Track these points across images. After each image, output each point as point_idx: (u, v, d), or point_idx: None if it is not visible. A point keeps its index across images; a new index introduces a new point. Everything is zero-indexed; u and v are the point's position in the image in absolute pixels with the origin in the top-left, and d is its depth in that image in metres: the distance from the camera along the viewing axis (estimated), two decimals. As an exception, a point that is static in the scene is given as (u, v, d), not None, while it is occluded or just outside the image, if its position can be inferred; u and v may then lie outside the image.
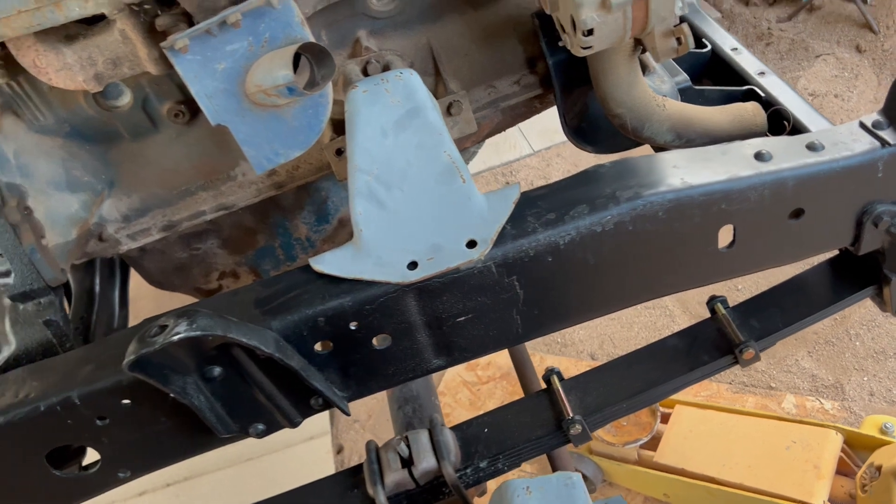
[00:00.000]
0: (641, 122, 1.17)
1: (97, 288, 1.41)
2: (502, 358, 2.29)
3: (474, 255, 0.93)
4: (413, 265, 0.94)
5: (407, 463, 1.08)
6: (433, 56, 1.24)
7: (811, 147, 0.99)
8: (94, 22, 0.93)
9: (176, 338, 0.82)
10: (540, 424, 1.15)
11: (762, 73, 1.54)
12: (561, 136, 3.93)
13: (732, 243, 1.02)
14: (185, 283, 1.46)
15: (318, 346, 0.98)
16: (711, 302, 1.24)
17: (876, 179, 0.99)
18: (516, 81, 1.28)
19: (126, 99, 1.16)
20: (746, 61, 1.59)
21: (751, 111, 1.25)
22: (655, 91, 1.38)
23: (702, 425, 2.03)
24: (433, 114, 1.00)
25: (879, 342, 2.23)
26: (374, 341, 0.99)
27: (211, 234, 1.39)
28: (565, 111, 1.28)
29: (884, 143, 0.97)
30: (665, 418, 2.11)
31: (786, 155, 0.99)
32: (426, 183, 0.97)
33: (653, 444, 2.08)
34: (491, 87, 1.28)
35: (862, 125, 1.01)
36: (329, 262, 0.96)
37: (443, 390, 2.48)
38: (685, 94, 1.53)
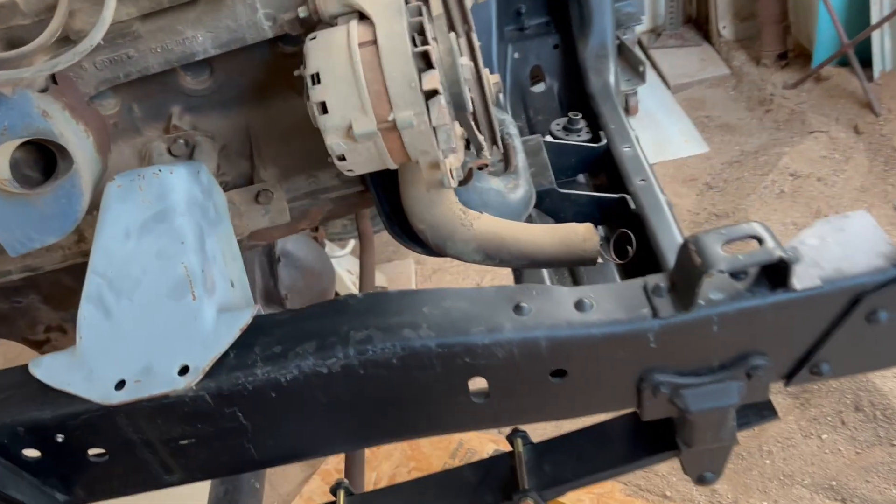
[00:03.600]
0: (443, 240, 1.09)
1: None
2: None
3: (181, 385, 0.86)
4: (121, 384, 0.88)
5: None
6: (250, 139, 1.18)
7: (579, 306, 0.89)
8: None
9: None
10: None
11: (643, 180, 1.45)
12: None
13: (488, 395, 0.93)
14: (11, 332, 1.42)
15: (28, 452, 0.93)
16: (511, 436, 1.15)
17: (649, 349, 0.89)
18: (338, 174, 1.21)
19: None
20: (632, 164, 1.49)
21: (581, 235, 1.15)
22: (496, 200, 1.30)
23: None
24: (183, 220, 0.94)
25: (790, 464, 2.08)
26: (90, 453, 0.93)
27: (31, 290, 1.35)
28: (388, 210, 1.20)
29: (655, 312, 0.87)
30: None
31: (548, 311, 0.89)
32: (157, 295, 0.91)
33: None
34: (312, 176, 1.21)
35: (644, 288, 0.91)
36: (44, 368, 0.91)
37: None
38: (549, 198, 1.44)
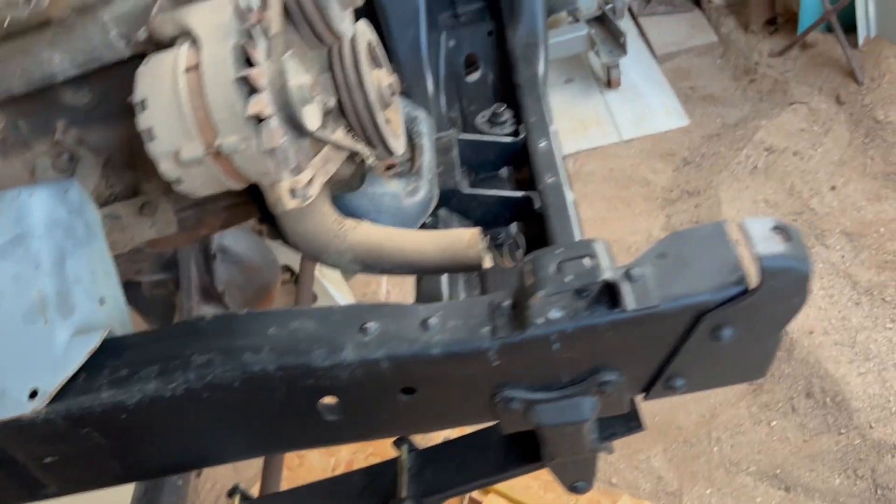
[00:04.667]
0: (317, 252, 1.08)
1: None
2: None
3: (29, 408, 0.88)
4: (-25, 408, 0.90)
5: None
6: (133, 152, 1.18)
7: (423, 325, 0.89)
8: None
9: None
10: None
11: (552, 177, 1.43)
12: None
13: (341, 414, 0.94)
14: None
15: None
16: (398, 443, 1.16)
17: (492, 366, 0.89)
18: None
19: None
20: (545, 159, 1.47)
21: (466, 242, 1.14)
22: (391, 205, 1.29)
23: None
24: (40, 243, 0.95)
25: (738, 452, 2.07)
26: (-40, 471, 0.96)
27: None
28: (272, 218, 1.20)
29: (494, 331, 0.87)
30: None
31: (392, 331, 0.89)
32: (13, 320, 0.92)
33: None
34: None
35: (489, 305, 0.90)
36: None
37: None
38: (456, 198, 1.43)
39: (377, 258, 1.11)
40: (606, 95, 4.23)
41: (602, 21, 4.34)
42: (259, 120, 0.83)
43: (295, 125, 0.88)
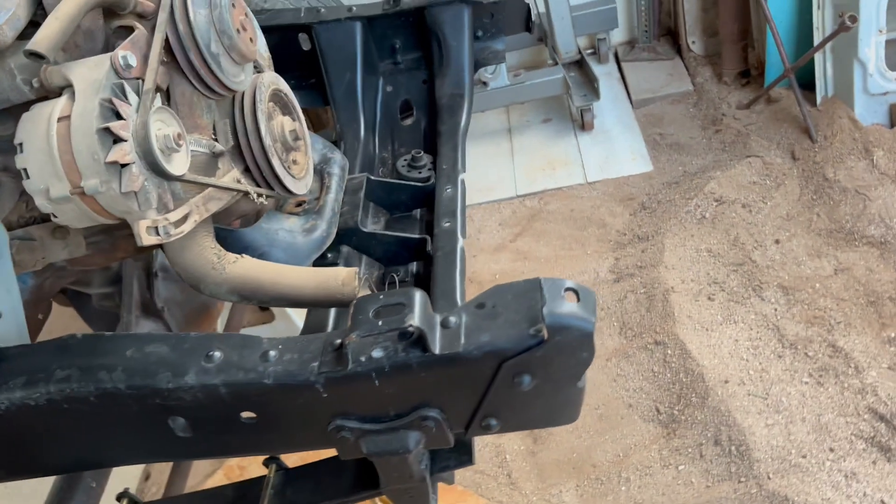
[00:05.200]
0: (195, 281, 1.19)
1: None
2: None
3: None
4: None
5: None
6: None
7: (263, 357, 0.99)
8: None
9: None
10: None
11: (448, 223, 1.54)
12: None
13: (191, 432, 1.03)
14: None
15: None
16: (267, 462, 1.26)
17: (322, 398, 0.99)
18: None
19: None
20: (447, 205, 1.58)
21: (341, 279, 1.24)
22: (284, 240, 1.40)
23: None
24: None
25: (644, 493, 2.14)
26: None
27: None
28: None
29: (321, 367, 0.97)
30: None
31: (234, 360, 0.99)
32: None
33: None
34: None
35: (325, 342, 1.00)
36: None
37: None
38: (356, 237, 1.53)
39: (254, 291, 1.22)
40: (580, 137, 4.35)
41: (580, 65, 4.48)
42: (122, 166, 0.94)
43: (158, 171, 0.99)
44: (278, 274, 1.23)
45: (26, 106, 1.16)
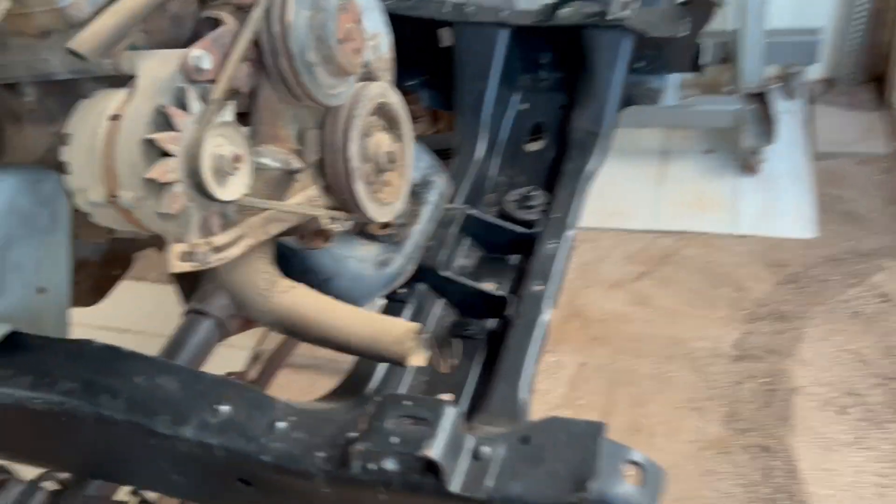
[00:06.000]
0: (239, 304, 1.08)
1: None
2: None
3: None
4: None
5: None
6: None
7: (270, 427, 0.88)
8: None
9: None
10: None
11: (540, 286, 1.34)
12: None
13: (183, 477, 0.93)
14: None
15: None
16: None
17: (322, 491, 0.85)
18: None
19: None
20: (544, 263, 1.38)
21: (396, 336, 1.09)
22: (352, 270, 1.27)
23: None
24: (-12, 227, 1.02)
25: None
26: None
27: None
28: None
29: (328, 460, 0.83)
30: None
31: (239, 422, 0.88)
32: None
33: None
34: None
35: (342, 427, 0.86)
36: None
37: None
38: (432, 278, 1.37)
39: (298, 327, 1.09)
40: (740, 179, 3.91)
41: (762, 99, 4.00)
42: (162, 184, 0.83)
43: (206, 194, 0.87)
44: (330, 314, 1.10)
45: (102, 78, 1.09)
